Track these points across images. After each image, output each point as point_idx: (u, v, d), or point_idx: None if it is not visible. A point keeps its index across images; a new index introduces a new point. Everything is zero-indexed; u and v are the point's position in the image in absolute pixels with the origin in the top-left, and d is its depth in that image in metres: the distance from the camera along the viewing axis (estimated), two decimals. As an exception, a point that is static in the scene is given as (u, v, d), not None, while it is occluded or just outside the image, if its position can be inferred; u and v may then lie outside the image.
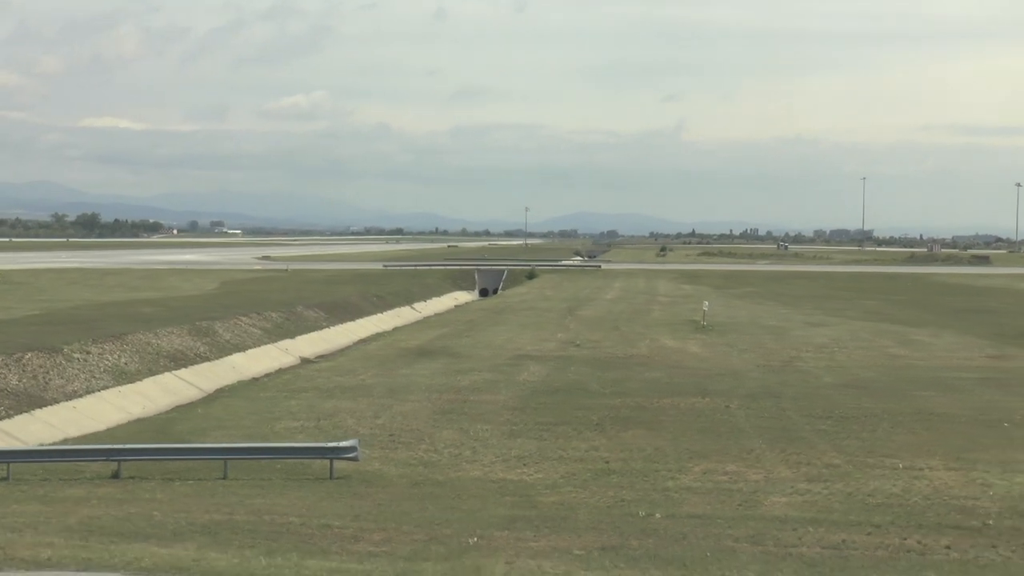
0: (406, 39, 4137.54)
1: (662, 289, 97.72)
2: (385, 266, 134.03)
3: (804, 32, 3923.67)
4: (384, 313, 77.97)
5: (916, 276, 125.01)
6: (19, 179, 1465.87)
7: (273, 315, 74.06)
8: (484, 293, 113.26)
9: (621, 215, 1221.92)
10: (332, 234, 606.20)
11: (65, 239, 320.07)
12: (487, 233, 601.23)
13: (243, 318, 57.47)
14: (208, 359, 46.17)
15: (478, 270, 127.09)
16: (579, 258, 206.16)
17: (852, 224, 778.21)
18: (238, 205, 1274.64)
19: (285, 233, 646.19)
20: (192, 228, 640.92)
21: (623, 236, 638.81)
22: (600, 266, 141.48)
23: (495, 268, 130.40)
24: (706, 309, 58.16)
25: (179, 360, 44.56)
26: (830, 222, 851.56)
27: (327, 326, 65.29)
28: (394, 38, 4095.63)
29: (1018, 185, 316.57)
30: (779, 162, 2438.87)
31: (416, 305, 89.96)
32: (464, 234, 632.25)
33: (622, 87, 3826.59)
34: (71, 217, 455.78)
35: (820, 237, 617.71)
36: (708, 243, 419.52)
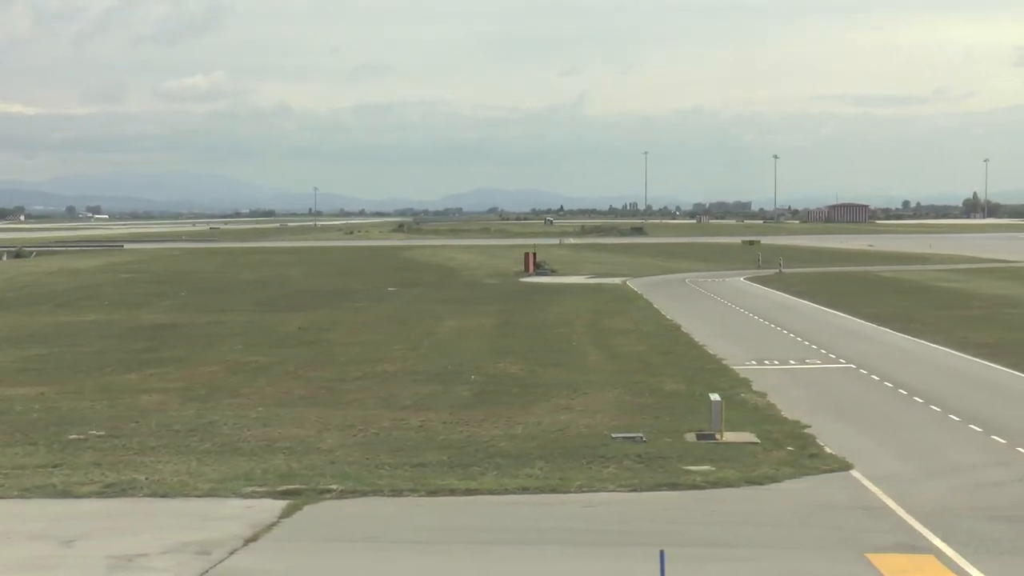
0: (305, 17, 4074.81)
1: (75, 266, 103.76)
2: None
3: (695, 3, 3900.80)
4: None
5: (393, 250, 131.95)
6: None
7: None
8: None
9: (521, 191, 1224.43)
10: (212, 217, 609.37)
11: None
12: (361, 212, 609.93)
13: None
14: None
15: (7, 252, 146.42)
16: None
17: (745, 196, 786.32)
18: (133, 188, 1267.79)
19: (171, 217, 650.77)
20: (70, 214, 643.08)
21: (509, 213, 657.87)
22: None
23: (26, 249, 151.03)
24: None
25: None
26: (726, 194, 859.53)
27: None
28: (293, 16, 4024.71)
29: (775, 157, 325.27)
30: (679, 134, 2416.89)
31: None
32: (342, 212, 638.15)
33: (523, 62, 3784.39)
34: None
35: (700, 210, 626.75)
36: (543, 217, 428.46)
